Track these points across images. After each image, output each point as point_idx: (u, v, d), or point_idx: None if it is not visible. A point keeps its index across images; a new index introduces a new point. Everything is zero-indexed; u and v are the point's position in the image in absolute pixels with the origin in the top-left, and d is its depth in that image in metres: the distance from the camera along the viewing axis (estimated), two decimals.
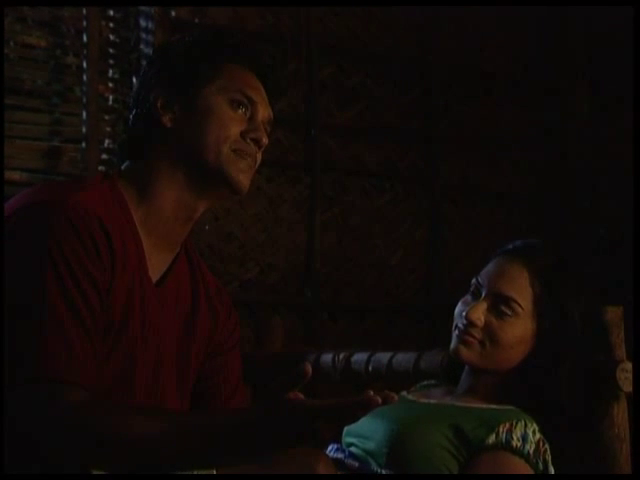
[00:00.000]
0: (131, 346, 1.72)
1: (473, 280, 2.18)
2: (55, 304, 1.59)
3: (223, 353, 1.93)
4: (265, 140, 1.81)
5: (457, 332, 2.14)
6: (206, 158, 1.77)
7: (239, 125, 1.79)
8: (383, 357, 2.71)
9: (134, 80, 3.87)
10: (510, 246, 2.20)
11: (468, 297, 2.17)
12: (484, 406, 2.09)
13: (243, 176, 1.79)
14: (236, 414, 1.63)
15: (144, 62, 1.91)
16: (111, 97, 3.86)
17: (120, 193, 1.77)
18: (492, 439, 1.99)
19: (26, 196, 1.71)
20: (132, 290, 1.73)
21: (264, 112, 1.83)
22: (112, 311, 1.68)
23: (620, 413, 2.17)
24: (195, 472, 1.65)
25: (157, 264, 1.81)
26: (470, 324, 2.10)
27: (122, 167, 1.84)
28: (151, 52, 3.79)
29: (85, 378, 1.59)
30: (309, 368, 1.50)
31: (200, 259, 1.96)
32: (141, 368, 1.74)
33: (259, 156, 1.82)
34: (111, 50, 3.88)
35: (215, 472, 1.68)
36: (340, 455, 2.11)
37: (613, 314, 2.18)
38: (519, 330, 2.10)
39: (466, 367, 2.18)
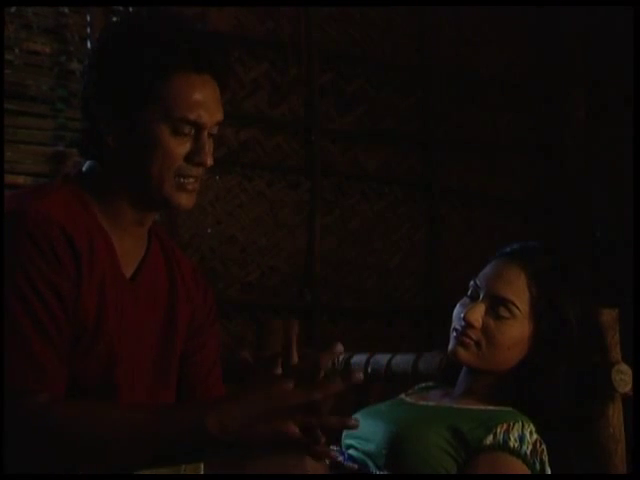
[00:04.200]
0: (109, 345, 1.73)
1: (471, 282, 2.19)
2: (17, 317, 1.60)
3: (201, 335, 1.94)
4: (210, 161, 1.76)
5: (455, 334, 2.15)
6: (149, 187, 1.74)
7: (183, 149, 1.74)
8: (382, 358, 2.70)
9: None
10: (508, 249, 2.20)
11: (466, 299, 2.18)
12: (482, 407, 2.10)
13: (187, 199, 1.77)
14: (190, 407, 1.64)
15: (86, 61, 1.80)
16: None
17: (82, 195, 1.77)
18: (490, 440, 1.99)
19: None
20: (103, 290, 1.73)
21: (211, 122, 1.76)
22: (83, 315, 1.69)
23: (615, 414, 2.17)
24: (182, 471, 1.65)
25: (130, 259, 1.81)
26: (468, 325, 2.11)
27: (83, 167, 1.83)
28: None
29: (49, 384, 1.61)
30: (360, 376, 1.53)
31: (175, 247, 1.95)
32: (121, 365, 1.74)
33: (205, 169, 1.78)
34: None
35: (203, 472, 1.67)
36: (340, 458, 2.11)
37: (608, 316, 2.18)
38: (516, 332, 2.11)
39: (464, 368, 2.19)
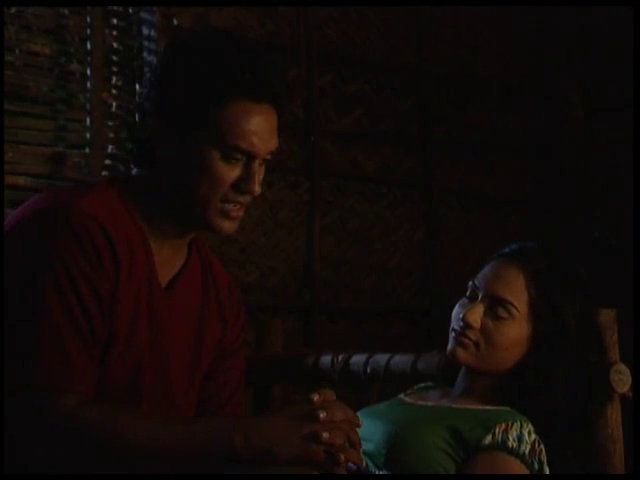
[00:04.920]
0: (138, 354, 1.73)
1: (470, 283, 2.19)
2: (53, 312, 1.60)
3: (230, 355, 1.94)
4: (257, 189, 1.75)
5: (454, 334, 2.15)
6: (193, 208, 1.74)
7: (232, 175, 1.72)
8: (381, 358, 2.69)
9: (137, 87, 3.90)
10: (507, 249, 2.20)
11: (465, 300, 2.18)
12: (480, 407, 2.10)
13: (230, 226, 1.77)
14: (220, 419, 1.71)
15: (146, 72, 1.75)
16: (114, 104, 3.88)
17: (127, 198, 1.76)
18: (488, 440, 2.00)
19: (32, 203, 1.72)
20: (139, 297, 1.73)
21: (264, 152, 1.75)
22: (116, 321, 1.69)
23: (614, 414, 2.18)
24: None
25: (167, 268, 1.81)
26: (467, 326, 2.11)
27: (132, 171, 1.83)
28: (154, 60, 3.82)
29: (80, 384, 1.61)
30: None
31: (213, 259, 1.95)
32: (148, 374, 1.75)
33: (252, 197, 1.78)
34: (114, 58, 3.89)
35: None
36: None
37: (606, 316, 2.18)
38: (515, 332, 2.12)
39: (462, 369, 2.20)
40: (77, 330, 1.62)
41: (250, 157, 1.73)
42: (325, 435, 1.59)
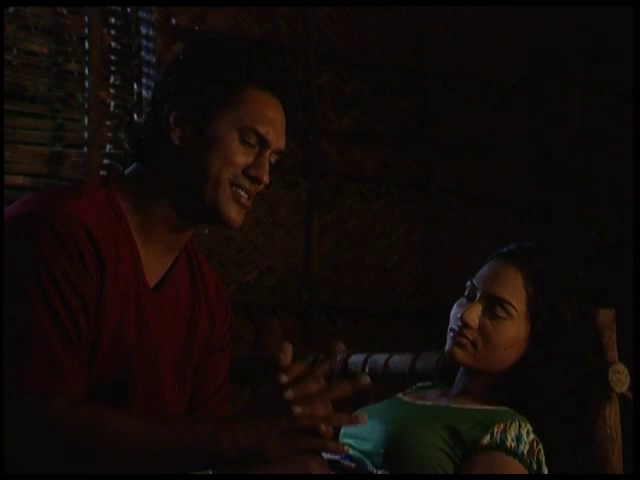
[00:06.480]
0: (127, 355, 1.73)
1: (468, 282, 2.19)
2: (38, 317, 1.60)
3: (216, 352, 1.94)
4: (266, 179, 1.78)
5: (452, 334, 2.15)
6: (204, 191, 1.75)
7: (244, 159, 1.76)
8: (380, 358, 2.70)
9: (135, 86, 3.91)
10: (505, 249, 2.20)
11: (463, 299, 2.18)
12: (479, 407, 2.10)
13: (237, 213, 1.79)
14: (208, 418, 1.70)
15: (148, 69, 1.81)
16: (112, 103, 3.89)
17: (116, 200, 1.76)
18: (487, 440, 1.99)
19: (18, 205, 1.71)
20: (127, 299, 1.73)
21: (275, 145, 1.79)
22: (103, 322, 1.69)
23: (612, 414, 2.17)
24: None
25: (155, 269, 1.81)
26: (465, 326, 2.11)
27: (126, 170, 1.82)
28: (152, 59, 3.84)
29: (69, 386, 1.61)
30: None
31: (201, 258, 1.95)
32: (137, 376, 1.75)
33: (259, 187, 1.80)
34: (112, 57, 3.91)
35: (211, 472, 1.69)
36: (336, 456, 2.09)
37: (605, 316, 2.18)
38: (513, 332, 2.11)
39: (461, 368, 2.19)
40: (64, 333, 1.62)
41: (263, 146, 1.77)
42: (298, 410, 1.57)
